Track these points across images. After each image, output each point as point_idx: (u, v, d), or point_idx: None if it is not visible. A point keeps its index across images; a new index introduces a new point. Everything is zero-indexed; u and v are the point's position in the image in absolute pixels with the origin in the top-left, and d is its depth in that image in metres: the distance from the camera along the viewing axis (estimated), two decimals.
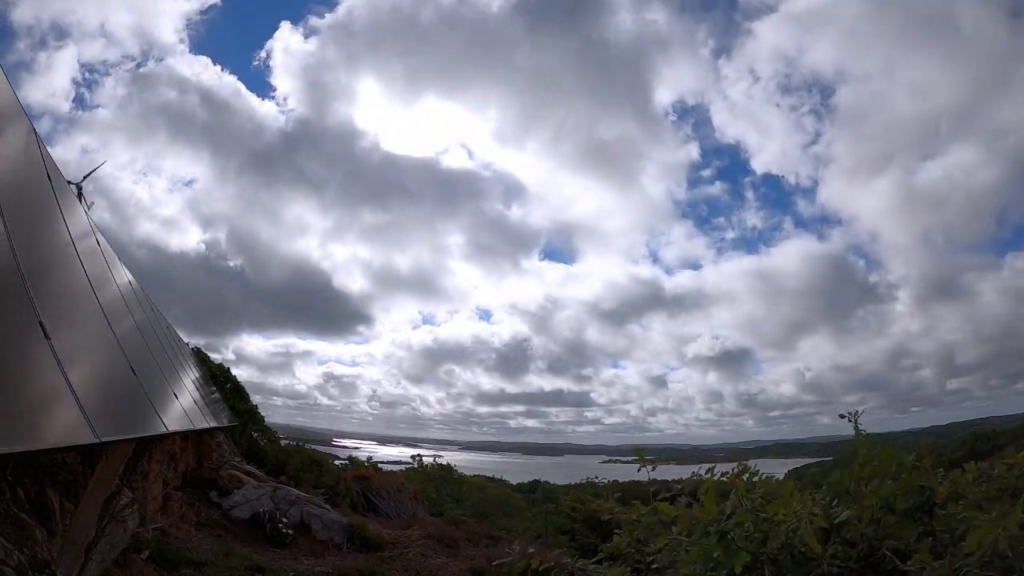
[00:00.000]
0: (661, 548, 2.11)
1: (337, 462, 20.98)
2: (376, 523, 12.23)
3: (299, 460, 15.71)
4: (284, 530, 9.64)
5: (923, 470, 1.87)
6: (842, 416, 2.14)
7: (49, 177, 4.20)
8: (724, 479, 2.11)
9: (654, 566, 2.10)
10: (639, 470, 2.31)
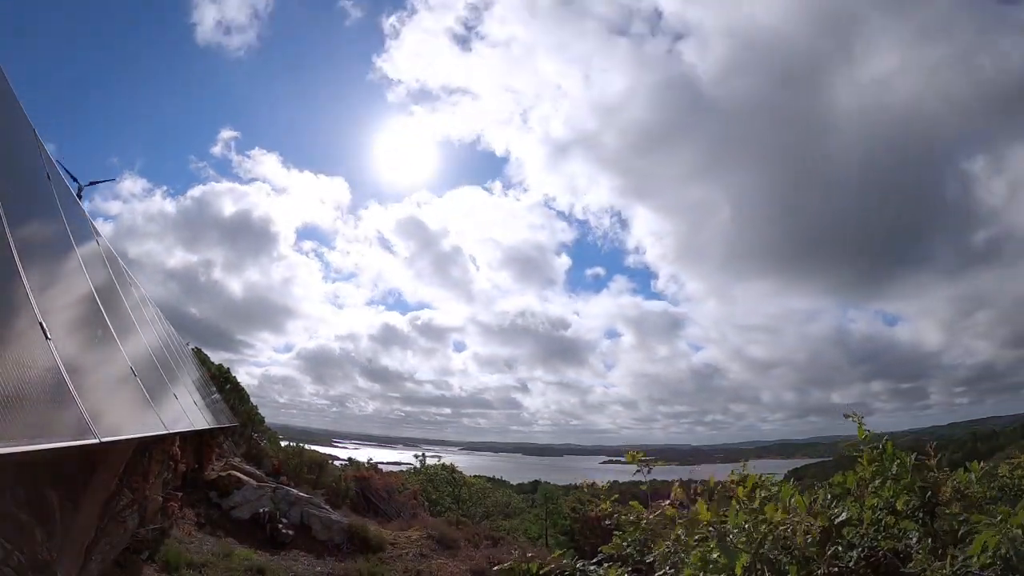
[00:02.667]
0: (661, 550, 2.11)
1: (337, 463, 20.96)
2: (376, 524, 12.21)
3: (299, 461, 15.68)
4: (284, 531, 9.63)
5: (927, 469, 1.86)
6: (847, 416, 2.13)
7: (49, 178, 4.20)
8: (724, 481, 2.11)
9: (648, 560, 2.10)
10: (635, 472, 2.31)
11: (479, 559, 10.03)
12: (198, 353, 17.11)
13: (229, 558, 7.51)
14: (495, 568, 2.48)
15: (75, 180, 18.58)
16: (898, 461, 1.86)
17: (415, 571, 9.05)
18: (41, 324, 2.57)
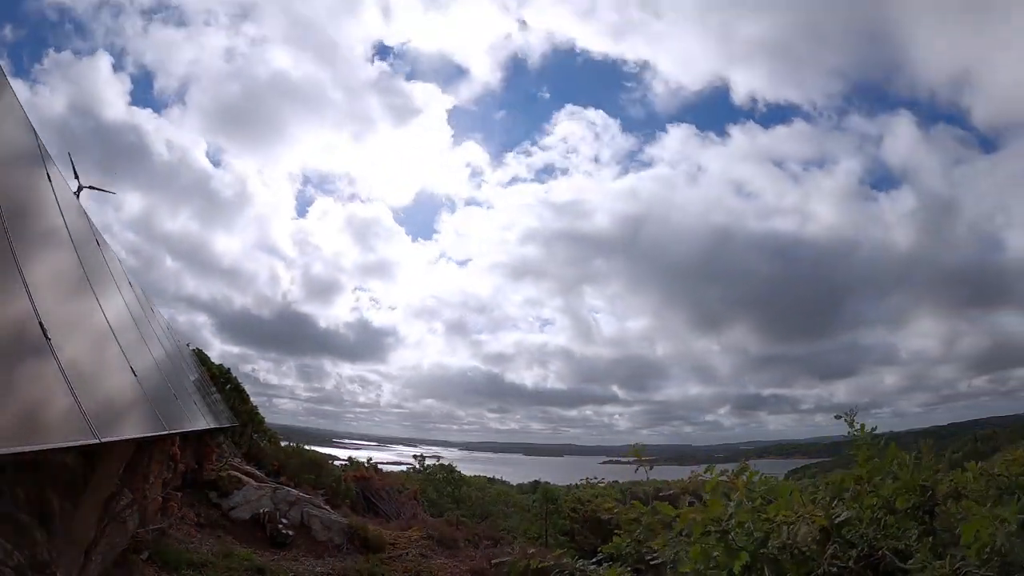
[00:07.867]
0: (661, 547, 2.11)
1: (337, 463, 20.94)
2: (376, 524, 12.21)
3: (299, 461, 15.69)
4: (284, 531, 9.62)
5: (924, 468, 1.87)
6: (838, 417, 2.14)
7: (49, 178, 4.20)
8: (724, 478, 2.11)
9: (653, 562, 2.10)
10: (636, 470, 2.31)
11: (479, 559, 10.03)
12: (198, 353, 17.11)
13: (229, 558, 7.51)
14: (494, 563, 2.49)
15: (76, 178, 18.50)
16: (897, 459, 1.87)
17: (415, 571, 9.05)
18: (41, 324, 2.57)
